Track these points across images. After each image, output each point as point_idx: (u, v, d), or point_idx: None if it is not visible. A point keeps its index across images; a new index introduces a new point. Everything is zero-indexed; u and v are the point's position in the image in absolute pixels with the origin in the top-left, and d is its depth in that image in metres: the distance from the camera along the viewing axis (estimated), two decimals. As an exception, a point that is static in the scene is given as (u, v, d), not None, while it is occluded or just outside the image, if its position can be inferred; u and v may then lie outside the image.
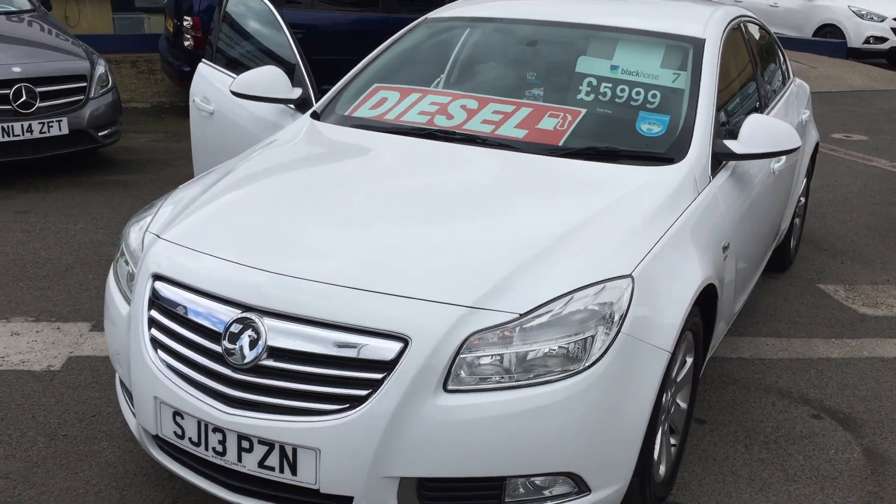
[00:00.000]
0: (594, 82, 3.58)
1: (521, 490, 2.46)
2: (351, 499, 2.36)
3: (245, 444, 2.40)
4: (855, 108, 10.81)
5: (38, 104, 6.21)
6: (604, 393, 2.41)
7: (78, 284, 4.59)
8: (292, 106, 4.02)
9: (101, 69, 6.72)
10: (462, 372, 2.35)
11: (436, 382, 2.31)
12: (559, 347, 2.39)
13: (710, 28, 3.71)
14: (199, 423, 2.45)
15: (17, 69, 6.19)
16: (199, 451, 2.49)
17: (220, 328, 2.44)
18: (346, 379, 2.33)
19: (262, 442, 2.38)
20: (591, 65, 3.67)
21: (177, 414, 2.50)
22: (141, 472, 3.03)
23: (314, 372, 2.35)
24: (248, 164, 3.24)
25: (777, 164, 3.91)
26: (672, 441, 3.06)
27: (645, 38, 3.73)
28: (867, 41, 14.94)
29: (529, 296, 2.41)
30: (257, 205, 2.93)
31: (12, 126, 6.10)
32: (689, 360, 3.04)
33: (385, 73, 3.92)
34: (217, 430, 2.42)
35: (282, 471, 2.38)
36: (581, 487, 2.49)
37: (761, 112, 4.03)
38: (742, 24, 4.14)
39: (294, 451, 2.35)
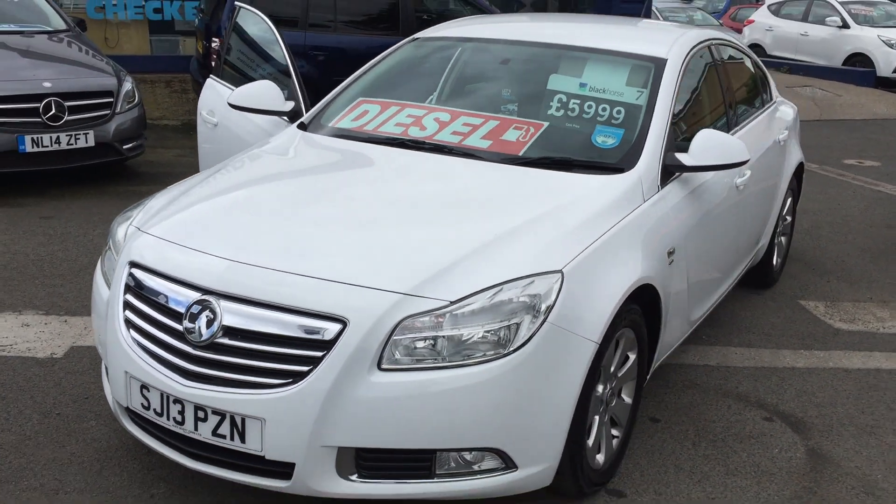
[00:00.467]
0: (564, 98, 3.81)
1: (452, 464, 2.68)
2: (293, 465, 2.60)
3: (200, 414, 2.65)
4: (875, 135, 10.87)
5: (66, 117, 6.60)
6: (527, 376, 2.63)
7: (89, 284, 4.89)
8: (286, 118, 4.30)
9: (127, 86, 7.10)
10: (397, 353, 2.58)
11: (370, 361, 2.55)
12: (488, 333, 2.61)
13: (674, 49, 3.92)
14: (161, 394, 2.72)
15: (47, 84, 6.59)
16: (162, 421, 2.75)
17: (182, 309, 2.71)
18: (291, 356, 2.58)
19: (215, 412, 2.63)
20: (562, 82, 3.90)
21: (143, 387, 2.77)
22: (122, 447, 3.29)
23: (263, 349, 2.60)
24: (227, 168, 3.54)
25: (740, 178, 4.09)
26: (615, 433, 3.25)
27: (613, 57, 3.96)
28: (896, 70, 14.98)
29: (461, 286, 2.64)
30: (228, 202, 3.22)
31: (41, 138, 6.49)
32: (632, 357, 3.23)
33: (370, 87, 4.19)
34: (177, 401, 2.68)
35: (232, 439, 2.63)
36: (508, 464, 2.70)
37: (728, 130, 4.22)
38: (712, 47, 4.34)
39: (243, 420, 2.60)
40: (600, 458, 3.13)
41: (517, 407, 2.64)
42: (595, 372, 2.86)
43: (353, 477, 2.64)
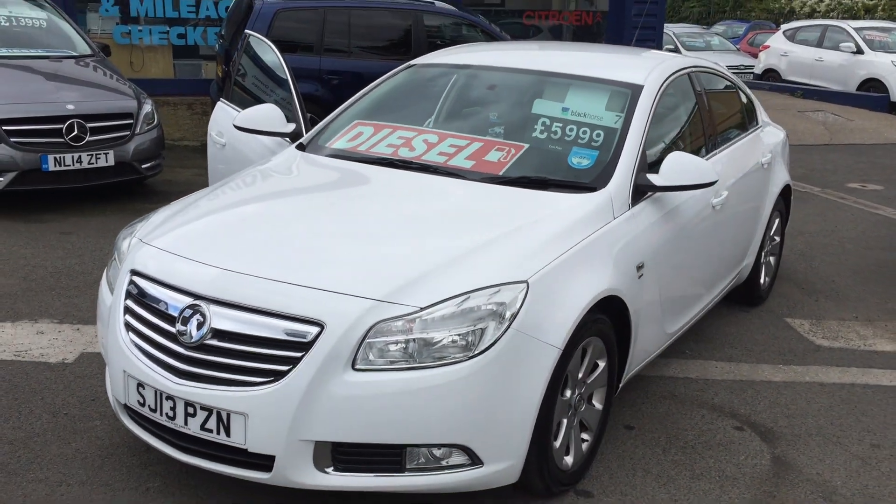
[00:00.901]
0: (547, 122, 4.03)
1: (422, 459, 2.88)
2: (273, 458, 2.82)
3: (190, 410, 2.88)
4: (882, 160, 10.99)
5: (87, 138, 6.91)
6: (492, 377, 2.83)
7: (102, 295, 5.17)
8: (288, 139, 4.55)
9: (147, 108, 7.42)
10: (371, 354, 2.80)
11: (345, 361, 2.77)
12: (456, 337, 2.83)
13: (651, 76, 4.13)
14: (155, 392, 2.95)
15: (70, 106, 6.91)
16: (156, 417, 2.98)
17: (175, 313, 2.95)
18: (273, 356, 2.81)
19: (203, 408, 2.86)
20: (546, 107, 4.13)
21: (139, 385, 3.00)
22: (123, 445, 3.53)
23: (248, 350, 2.84)
24: (226, 185, 3.79)
25: (716, 199, 4.28)
26: (585, 437, 3.44)
27: (594, 84, 4.18)
28: (910, 95, 15.08)
29: (431, 293, 2.87)
30: (222, 217, 3.48)
31: (64, 157, 6.80)
32: (602, 365, 3.43)
33: (366, 110, 4.43)
34: (169, 397, 2.92)
35: (219, 433, 2.85)
36: (474, 460, 2.90)
37: (706, 153, 4.42)
38: (692, 75, 4.55)
39: (228, 415, 2.82)
40: (569, 459, 3.32)
41: (482, 406, 2.85)
42: (560, 376, 3.05)
43: (329, 470, 2.85)
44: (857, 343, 5.01)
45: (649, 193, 3.76)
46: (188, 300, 2.95)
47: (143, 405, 3.02)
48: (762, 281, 5.49)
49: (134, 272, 3.19)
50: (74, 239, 6.28)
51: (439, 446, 2.86)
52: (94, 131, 6.98)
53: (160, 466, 3.38)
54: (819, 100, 15.06)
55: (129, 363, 3.03)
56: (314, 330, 2.79)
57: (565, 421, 3.26)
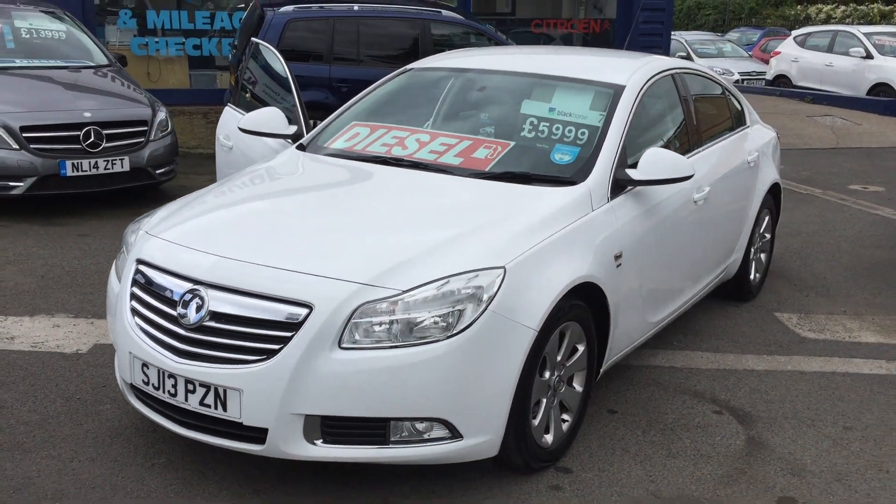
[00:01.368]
0: (535, 121, 4.24)
1: (405, 432, 3.09)
2: (266, 430, 3.03)
3: (190, 387, 3.10)
4: (887, 162, 11.09)
5: (104, 144, 7.18)
6: (469, 355, 3.04)
7: (116, 291, 5.42)
8: (290, 140, 4.78)
9: (161, 116, 7.69)
10: (357, 334, 3.01)
11: (332, 340, 2.98)
12: (437, 318, 3.03)
13: (633, 77, 4.33)
14: (158, 371, 3.17)
15: (87, 114, 7.19)
16: (159, 394, 3.21)
17: (176, 297, 3.18)
18: (265, 336, 3.03)
19: (202, 385, 3.08)
20: (534, 107, 4.34)
21: (144, 365, 3.23)
22: (131, 426, 3.76)
23: (242, 331, 3.06)
24: (227, 183, 4.03)
25: (698, 194, 4.47)
26: (566, 417, 3.63)
27: (580, 85, 4.38)
28: (919, 99, 15.17)
29: (413, 277, 3.08)
30: (222, 211, 3.72)
31: (81, 163, 7.08)
32: (581, 349, 3.62)
33: (364, 112, 4.66)
34: (171, 376, 3.14)
35: (216, 407, 3.07)
36: (454, 433, 3.10)
37: (689, 150, 4.61)
38: (676, 76, 4.74)
39: (224, 391, 3.04)
40: (549, 438, 3.51)
41: (460, 382, 3.05)
42: (537, 357, 3.25)
43: (319, 442, 3.06)
44: (843, 335, 5.17)
45: (629, 187, 3.95)
46: (188, 285, 3.17)
47: (147, 384, 3.24)
48: (752, 277, 5.65)
49: (140, 261, 3.42)
50: (91, 241, 6.54)
51: (421, 420, 3.07)
52: (110, 138, 7.24)
53: (165, 445, 3.60)
54: (829, 105, 15.18)
55: (134, 345, 3.26)
56: (303, 311, 3.00)
57: (545, 401, 3.45)
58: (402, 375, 2.99)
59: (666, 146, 4.42)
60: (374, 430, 3.07)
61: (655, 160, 3.89)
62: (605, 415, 4.03)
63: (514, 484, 3.41)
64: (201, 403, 3.10)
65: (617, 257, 3.74)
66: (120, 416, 3.85)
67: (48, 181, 7.02)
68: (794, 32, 18.46)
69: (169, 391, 3.17)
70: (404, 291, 3.03)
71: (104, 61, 8.42)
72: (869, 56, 15.99)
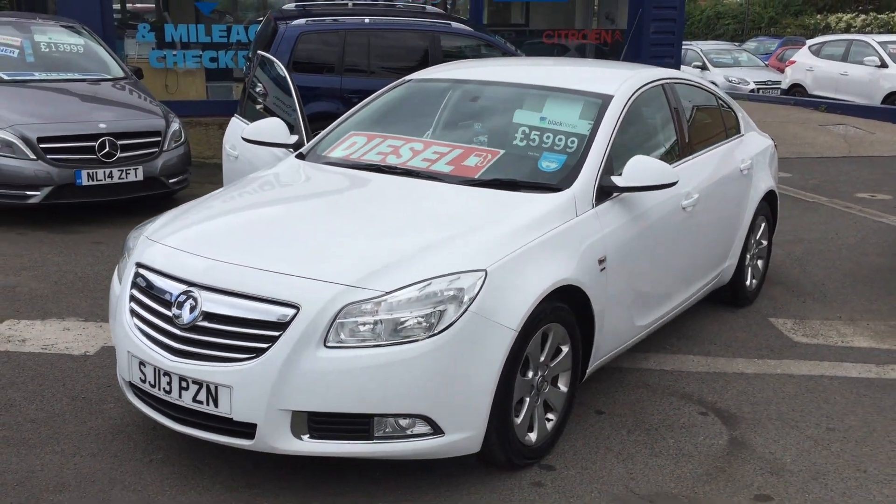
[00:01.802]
0: (526, 130, 4.37)
1: (389, 428, 3.22)
2: (255, 426, 3.17)
3: (184, 384, 3.25)
4: (897, 171, 11.12)
5: (118, 154, 7.38)
6: (450, 354, 3.16)
7: (125, 296, 5.59)
8: (291, 149, 4.94)
9: (174, 127, 7.89)
10: (342, 334, 3.14)
11: (318, 339, 3.12)
12: (420, 318, 3.16)
13: (622, 87, 4.45)
14: (154, 369, 3.32)
15: (102, 125, 7.40)
16: (155, 391, 3.36)
17: (171, 299, 3.33)
18: (255, 335, 3.17)
19: (194, 382, 3.22)
20: (525, 116, 4.46)
21: (141, 363, 3.38)
22: (132, 423, 3.91)
23: (233, 330, 3.20)
24: (227, 191, 4.19)
25: (686, 201, 4.57)
26: (550, 416, 3.74)
27: (570, 95, 4.50)
28: (934, 109, 15.14)
29: (396, 279, 3.21)
30: (221, 217, 3.89)
31: (96, 172, 7.28)
32: (566, 350, 3.73)
33: (363, 122, 4.80)
34: (166, 374, 3.29)
35: (208, 404, 3.22)
36: (436, 429, 3.23)
37: (678, 158, 4.71)
38: (666, 86, 4.85)
39: (216, 388, 3.18)
40: (532, 436, 3.62)
41: (442, 380, 3.17)
42: (518, 357, 3.37)
43: (305, 437, 3.20)
44: (836, 340, 5.24)
45: (615, 194, 4.06)
46: (183, 287, 3.33)
47: (144, 381, 3.39)
48: (748, 283, 5.73)
49: (139, 265, 3.58)
50: (104, 248, 6.72)
51: (403, 416, 3.19)
52: (125, 148, 7.44)
53: (164, 441, 3.75)
54: (843, 114, 15.18)
55: (132, 344, 3.42)
56: (291, 312, 3.14)
57: (528, 400, 3.56)
58: (384, 373, 3.12)
59: (654, 154, 4.52)
60: (358, 425, 3.20)
61: (640, 167, 4.01)
62: (593, 415, 4.14)
63: (497, 480, 3.53)
64: (194, 400, 3.24)
65: (601, 261, 3.85)
66: (122, 414, 4.00)
67: (64, 190, 7.22)
68: (809, 42, 18.48)
69: (164, 388, 3.31)
70: (388, 293, 3.17)
71: (120, 74, 8.64)
72: (884, 65, 15.98)
